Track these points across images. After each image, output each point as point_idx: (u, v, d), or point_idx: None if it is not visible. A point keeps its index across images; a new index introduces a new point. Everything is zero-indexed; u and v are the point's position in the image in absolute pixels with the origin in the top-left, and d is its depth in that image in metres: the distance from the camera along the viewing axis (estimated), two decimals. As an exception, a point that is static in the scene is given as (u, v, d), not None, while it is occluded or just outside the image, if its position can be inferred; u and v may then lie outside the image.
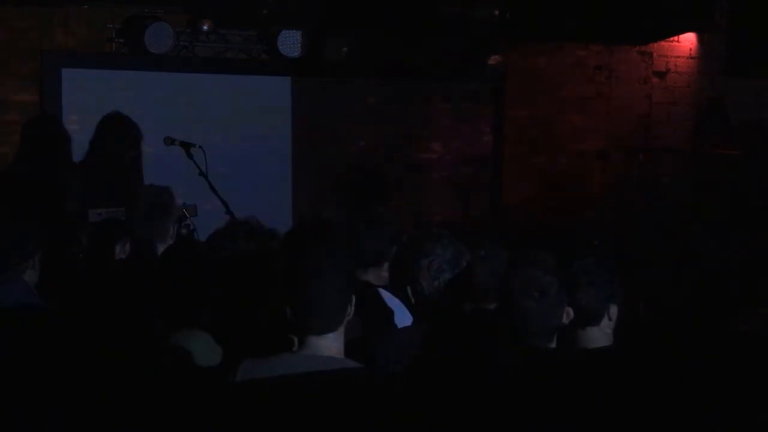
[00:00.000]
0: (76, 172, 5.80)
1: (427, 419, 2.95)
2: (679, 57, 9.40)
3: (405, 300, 3.89)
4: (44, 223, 4.23)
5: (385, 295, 3.98)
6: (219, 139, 6.97)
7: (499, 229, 8.36)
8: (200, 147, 5.76)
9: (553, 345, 3.29)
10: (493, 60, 8.07)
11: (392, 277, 4.05)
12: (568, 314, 3.37)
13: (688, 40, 9.36)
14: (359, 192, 5.87)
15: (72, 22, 6.95)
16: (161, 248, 4.42)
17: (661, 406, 3.08)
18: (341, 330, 3.03)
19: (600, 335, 3.45)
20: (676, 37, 9.26)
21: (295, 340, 3.03)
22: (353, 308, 3.07)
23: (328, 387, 2.92)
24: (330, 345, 3.00)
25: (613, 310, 3.45)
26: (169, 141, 5.83)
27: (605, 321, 3.44)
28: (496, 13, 7.62)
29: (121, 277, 4.13)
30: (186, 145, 5.77)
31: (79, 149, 6.03)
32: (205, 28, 7.04)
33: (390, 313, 3.90)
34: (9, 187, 5.77)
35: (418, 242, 3.70)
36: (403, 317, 3.90)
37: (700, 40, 9.39)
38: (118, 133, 5.90)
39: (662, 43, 9.24)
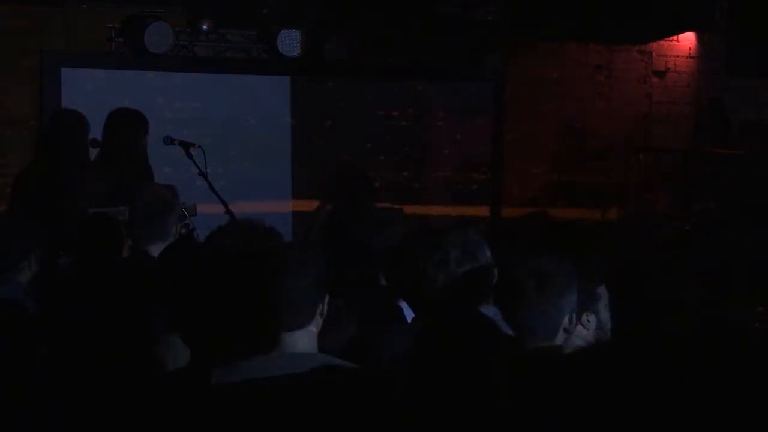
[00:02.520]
0: (93, 170, 5.83)
1: (425, 419, 2.95)
2: (678, 56, 9.40)
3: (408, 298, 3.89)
4: (43, 224, 4.23)
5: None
6: (219, 139, 6.97)
7: (498, 229, 8.37)
8: (200, 147, 5.77)
9: (557, 343, 3.28)
10: (492, 60, 8.08)
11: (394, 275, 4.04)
12: (571, 320, 3.33)
13: (687, 39, 9.36)
14: (351, 192, 5.91)
15: (72, 22, 6.94)
16: (162, 248, 4.41)
17: (661, 407, 3.08)
18: (312, 327, 3.03)
19: (579, 342, 3.44)
20: (675, 37, 9.26)
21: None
22: (325, 307, 3.07)
23: (320, 386, 2.92)
24: (301, 340, 3.00)
25: (589, 317, 3.38)
26: (169, 141, 5.84)
27: (579, 329, 3.41)
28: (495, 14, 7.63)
29: (120, 276, 4.12)
30: (186, 145, 5.78)
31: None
32: (205, 27, 7.04)
33: (399, 310, 3.90)
34: (18, 186, 5.81)
35: (434, 236, 3.67)
36: (409, 316, 3.91)
37: (700, 39, 9.39)
38: (131, 124, 5.96)
39: (662, 42, 9.24)
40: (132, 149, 5.95)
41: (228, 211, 5.55)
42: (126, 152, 5.94)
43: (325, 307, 3.05)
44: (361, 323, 3.61)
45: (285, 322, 2.99)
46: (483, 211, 8.56)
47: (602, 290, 3.42)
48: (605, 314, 3.40)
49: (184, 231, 4.89)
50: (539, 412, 2.97)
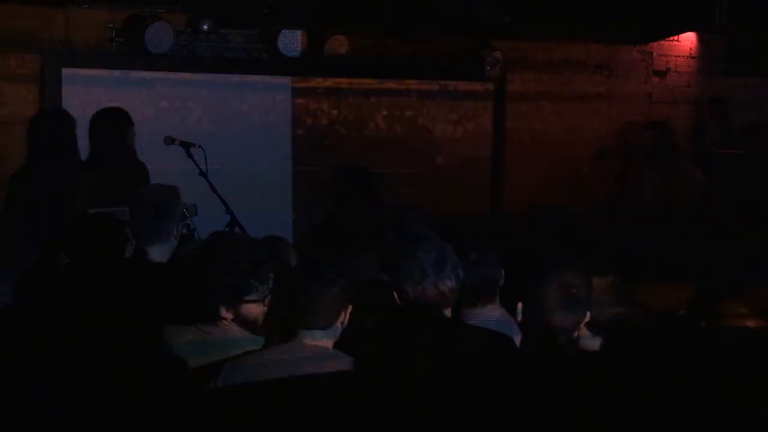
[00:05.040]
0: (86, 171, 5.84)
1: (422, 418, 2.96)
2: (679, 56, 9.40)
3: None
4: (42, 224, 4.23)
5: None
6: (219, 139, 6.97)
7: (499, 229, 8.36)
8: (200, 146, 5.77)
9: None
10: (493, 60, 8.09)
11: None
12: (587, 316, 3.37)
13: (688, 39, 9.36)
14: (351, 192, 5.94)
15: (72, 22, 6.94)
16: (163, 249, 4.41)
17: (654, 409, 3.08)
18: (331, 332, 3.18)
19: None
20: (676, 37, 9.27)
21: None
22: (346, 317, 3.16)
23: (321, 384, 2.95)
24: (318, 337, 3.16)
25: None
26: (169, 141, 5.84)
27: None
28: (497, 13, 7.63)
29: (123, 276, 4.12)
30: (186, 145, 5.78)
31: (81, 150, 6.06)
32: (205, 27, 7.05)
33: None
34: (14, 186, 5.82)
35: (401, 246, 3.68)
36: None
37: (700, 39, 9.39)
38: (115, 123, 5.98)
39: (662, 42, 9.24)
40: (119, 148, 5.97)
41: (228, 211, 5.55)
42: (114, 152, 5.95)
43: (347, 317, 3.15)
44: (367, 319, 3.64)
45: (307, 320, 3.14)
46: (483, 210, 8.57)
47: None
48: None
49: (185, 231, 4.89)
50: (524, 410, 2.98)
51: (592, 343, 3.45)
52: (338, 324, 3.21)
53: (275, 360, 3.11)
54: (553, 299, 3.23)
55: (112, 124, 6.01)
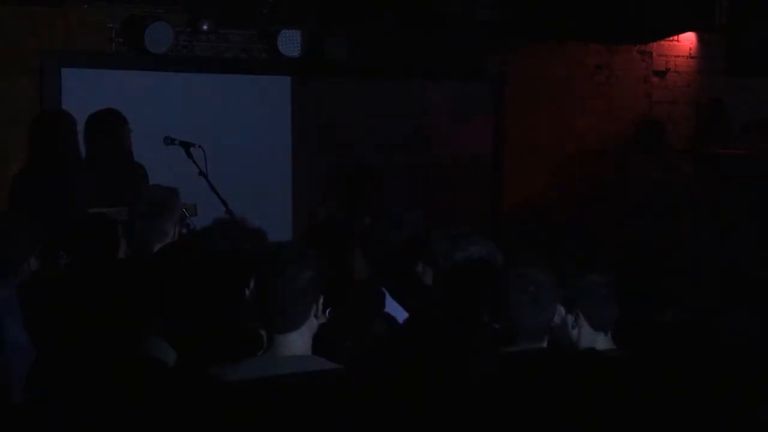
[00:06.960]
0: (84, 171, 5.84)
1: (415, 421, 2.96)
2: (678, 56, 9.40)
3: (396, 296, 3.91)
4: (43, 225, 4.23)
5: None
6: (219, 139, 6.97)
7: (499, 229, 8.36)
8: (200, 146, 5.78)
9: (544, 345, 3.30)
10: (493, 60, 8.10)
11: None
12: (559, 313, 3.39)
13: (688, 39, 9.36)
14: (355, 191, 5.95)
15: (72, 22, 6.94)
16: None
17: (655, 409, 3.08)
18: (306, 328, 3.04)
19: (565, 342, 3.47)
20: (676, 37, 9.27)
21: (264, 338, 3.06)
22: (320, 309, 3.07)
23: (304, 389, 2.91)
24: (294, 342, 3.01)
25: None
26: (169, 141, 5.85)
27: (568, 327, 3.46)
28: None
29: (117, 277, 4.12)
30: (186, 145, 5.79)
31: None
32: (205, 27, 7.05)
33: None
34: (15, 187, 5.83)
35: (455, 237, 3.69)
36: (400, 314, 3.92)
37: (700, 39, 9.40)
38: (110, 125, 5.99)
39: (662, 42, 9.25)
40: (115, 149, 5.98)
41: (228, 211, 5.55)
42: (110, 152, 5.96)
43: (320, 308, 3.06)
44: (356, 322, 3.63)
45: (278, 323, 3.00)
46: (483, 210, 8.56)
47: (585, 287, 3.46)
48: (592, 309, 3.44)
49: (184, 231, 4.88)
50: (523, 411, 2.98)
51: (593, 340, 3.46)
52: (312, 318, 3.05)
53: (253, 371, 3.01)
54: (515, 298, 3.24)
55: (106, 125, 6.02)
